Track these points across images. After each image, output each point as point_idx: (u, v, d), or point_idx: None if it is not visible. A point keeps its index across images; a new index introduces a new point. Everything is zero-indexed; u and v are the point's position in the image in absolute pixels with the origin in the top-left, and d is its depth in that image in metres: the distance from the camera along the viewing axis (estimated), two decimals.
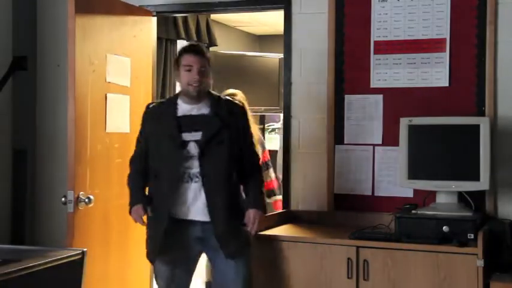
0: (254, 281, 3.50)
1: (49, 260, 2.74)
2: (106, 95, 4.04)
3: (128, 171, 3.50)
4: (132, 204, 3.37)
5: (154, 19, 4.57)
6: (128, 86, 4.24)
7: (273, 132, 8.68)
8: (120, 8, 4.23)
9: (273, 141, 8.01)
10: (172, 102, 3.40)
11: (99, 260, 3.88)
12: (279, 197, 4.59)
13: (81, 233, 3.80)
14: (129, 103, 4.24)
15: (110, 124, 4.08)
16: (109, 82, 4.07)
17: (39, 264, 2.65)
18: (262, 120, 7.88)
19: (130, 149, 4.24)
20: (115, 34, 4.15)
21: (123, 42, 4.22)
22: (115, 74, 4.12)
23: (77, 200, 3.78)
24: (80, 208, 3.79)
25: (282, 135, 4.32)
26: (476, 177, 3.48)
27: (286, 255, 3.50)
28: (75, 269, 2.86)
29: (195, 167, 3.26)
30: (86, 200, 3.82)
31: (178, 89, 6.78)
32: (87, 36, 3.89)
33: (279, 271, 3.52)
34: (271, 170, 4.83)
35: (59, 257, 2.80)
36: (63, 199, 3.78)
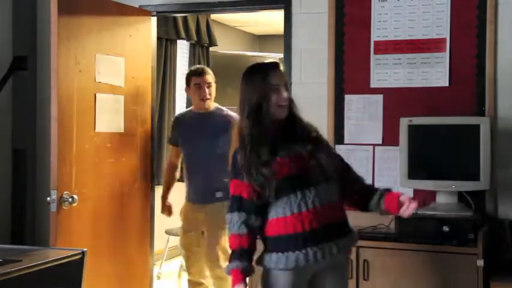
0: (254, 281, 3.49)
1: (49, 260, 2.74)
2: (95, 94, 4.02)
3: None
4: None
5: (154, 19, 4.56)
6: (121, 86, 4.21)
7: None
8: (112, 9, 4.21)
9: None
10: None
11: (89, 259, 3.86)
12: None
13: (68, 233, 3.77)
14: (124, 103, 4.22)
15: (100, 124, 4.05)
16: (99, 82, 4.05)
17: (39, 264, 2.65)
18: None
19: (125, 148, 4.24)
20: (106, 34, 4.13)
21: (116, 42, 4.20)
22: (106, 74, 4.10)
23: (60, 200, 3.73)
24: (65, 208, 3.75)
25: None
26: (476, 177, 3.48)
27: None
28: (75, 269, 2.86)
29: None
30: (70, 199, 3.77)
31: (178, 89, 6.81)
32: (73, 36, 3.87)
33: None
34: None
35: (59, 257, 2.80)
36: (48, 198, 3.73)
